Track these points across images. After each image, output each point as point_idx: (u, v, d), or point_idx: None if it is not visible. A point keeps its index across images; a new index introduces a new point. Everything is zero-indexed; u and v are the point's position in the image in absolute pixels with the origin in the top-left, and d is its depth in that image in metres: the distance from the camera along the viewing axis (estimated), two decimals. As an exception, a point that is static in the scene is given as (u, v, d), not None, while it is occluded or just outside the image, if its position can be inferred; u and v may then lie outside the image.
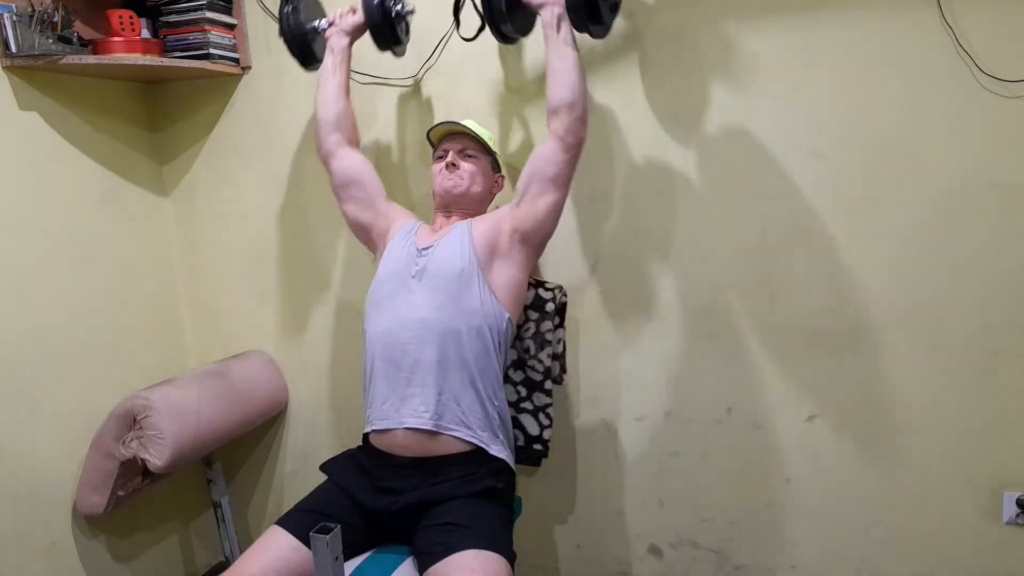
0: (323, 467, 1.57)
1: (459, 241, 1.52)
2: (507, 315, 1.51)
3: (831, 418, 1.69)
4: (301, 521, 1.39)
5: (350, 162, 1.68)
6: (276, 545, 1.37)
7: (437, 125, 1.66)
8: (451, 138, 1.65)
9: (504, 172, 1.73)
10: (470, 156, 1.63)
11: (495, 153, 1.69)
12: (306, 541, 1.19)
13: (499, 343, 1.50)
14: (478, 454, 1.46)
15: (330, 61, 1.67)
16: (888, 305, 1.61)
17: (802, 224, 1.64)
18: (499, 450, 1.49)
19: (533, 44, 1.75)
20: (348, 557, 1.36)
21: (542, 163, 1.48)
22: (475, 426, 1.46)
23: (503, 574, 1.27)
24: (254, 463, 2.25)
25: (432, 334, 1.45)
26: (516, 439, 1.67)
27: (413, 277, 1.51)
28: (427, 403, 1.44)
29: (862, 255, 1.61)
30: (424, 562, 1.31)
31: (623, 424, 1.86)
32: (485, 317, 1.47)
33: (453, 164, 1.60)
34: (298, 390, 2.14)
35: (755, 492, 1.79)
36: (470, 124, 1.64)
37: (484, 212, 1.66)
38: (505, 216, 1.54)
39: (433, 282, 1.48)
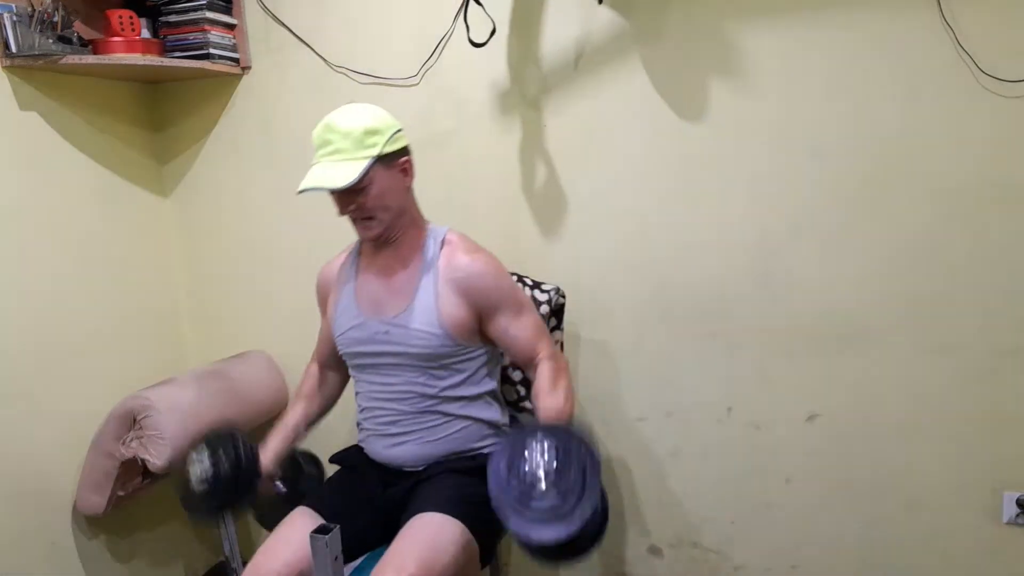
0: (333, 459, 1.59)
1: (427, 317, 1.39)
2: (484, 351, 1.48)
3: (831, 418, 1.69)
4: (328, 503, 1.43)
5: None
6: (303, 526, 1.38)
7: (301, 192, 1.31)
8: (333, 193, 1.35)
9: (409, 149, 1.40)
10: (362, 200, 1.33)
11: (382, 148, 1.32)
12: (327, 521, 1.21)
13: (482, 374, 1.49)
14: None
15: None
16: (888, 305, 1.60)
17: (802, 224, 1.63)
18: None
19: (533, 43, 1.75)
20: (367, 545, 1.45)
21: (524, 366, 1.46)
22: (473, 440, 1.48)
23: (458, 538, 1.29)
24: (254, 463, 2.24)
25: (412, 398, 1.43)
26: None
27: (380, 350, 1.43)
28: (416, 454, 1.45)
29: (862, 255, 1.60)
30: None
31: (623, 424, 1.86)
32: (463, 367, 1.44)
33: (355, 220, 1.39)
34: (298, 390, 2.14)
35: (755, 492, 1.79)
36: (331, 165, 1.30)
37: (414, 209, 1.44)
38: (473, 309, 1.40)
39: (405, 359, 1.42)
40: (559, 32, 1.72)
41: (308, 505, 1.42)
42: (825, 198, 1.61)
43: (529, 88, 1.78)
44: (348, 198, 1.33)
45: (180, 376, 1.92)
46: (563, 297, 1.70)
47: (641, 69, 1.69)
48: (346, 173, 1.28)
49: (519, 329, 1.42)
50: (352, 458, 1.56)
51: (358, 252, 1.53)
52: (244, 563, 1.39)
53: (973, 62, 1.46)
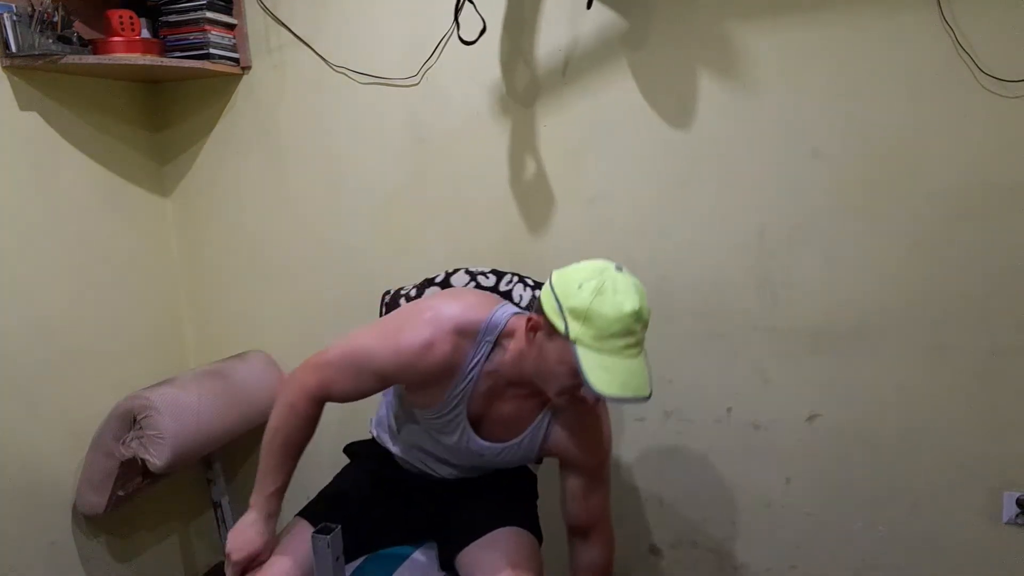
0: (347, 449, 1.60)
1: (525, 454, 1.35)
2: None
3: (831, 418, 1.69)
4: (327, 514, 1.40)
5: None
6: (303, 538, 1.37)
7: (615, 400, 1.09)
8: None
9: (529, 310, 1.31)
10: None
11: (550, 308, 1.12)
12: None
13: None
14: None
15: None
16: (888, 305, 1.61)
17: (802, 224, 1.64)
18: None
19: (532, 44, 1.75)
20: (376, 544, 1.44)
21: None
22: None
23: (536, 552, 1.34)
24: (254, 463, 2.23)
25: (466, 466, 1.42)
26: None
27: (460, 458, 1.39)
28: (465, 474, 1.45)
29: (862, 255, 1.61)
30: (458, 538, 1.37)
31: (624, 424, 1.86)
32: None
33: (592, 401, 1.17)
34: (298, 390, 2.14)
35: (755, 492, 1.79)
36: (630, 361, 1.07)
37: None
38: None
39: (476, 465, 1.42)
40: (559, 32, 1.72)
41: (303, 516, 1.40)
42: (825, 198, 1.61)
43: (529, 88, 1.78)
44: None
45: (180, 376, 1.92)
46: (563, 297, 1.69)
47: (642, 69, 1.69)
48: (644, 375, 1.07)
49: (592, 498, 1.30)
50: (370, 455, 1.53)
51: (479, 375, 1.26)
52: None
53: (973, 62, 1.46)
